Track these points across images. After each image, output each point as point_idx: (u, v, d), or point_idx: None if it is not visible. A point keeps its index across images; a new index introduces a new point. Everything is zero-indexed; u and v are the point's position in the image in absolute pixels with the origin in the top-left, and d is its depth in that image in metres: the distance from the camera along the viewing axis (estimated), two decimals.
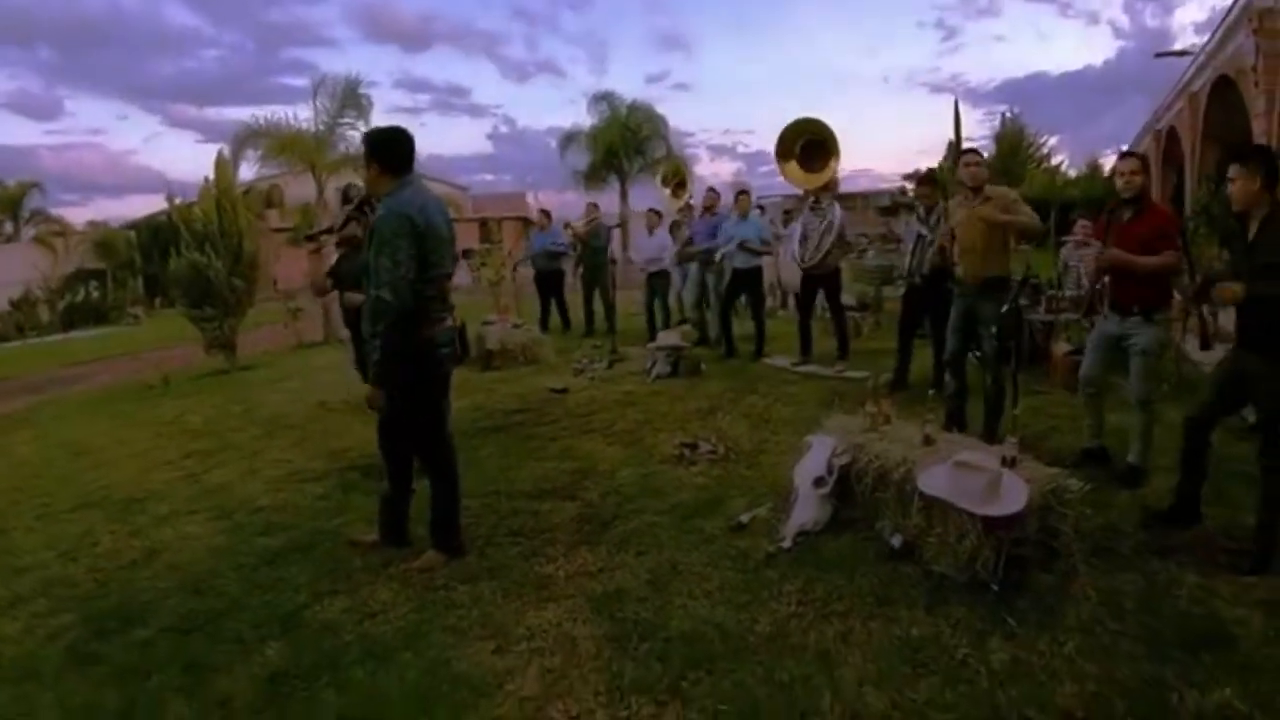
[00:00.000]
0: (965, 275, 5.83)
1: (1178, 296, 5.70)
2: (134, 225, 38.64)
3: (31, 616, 4.13)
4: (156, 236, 33.26)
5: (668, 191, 12.46)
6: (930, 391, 5.57)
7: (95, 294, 33.99)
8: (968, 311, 5.82)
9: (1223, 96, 14.16)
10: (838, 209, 8.78)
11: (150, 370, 12.85)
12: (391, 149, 4.10)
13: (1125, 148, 28.46)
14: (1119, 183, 5.01)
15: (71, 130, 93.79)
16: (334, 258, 6.53)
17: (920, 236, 7.44)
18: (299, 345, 15.26)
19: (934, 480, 3.89)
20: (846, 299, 11.98)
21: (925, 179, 8.14)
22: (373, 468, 5.92)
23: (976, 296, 5.72)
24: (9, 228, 37.82)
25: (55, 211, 38.95)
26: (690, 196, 12.89)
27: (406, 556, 4.29)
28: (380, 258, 3.85)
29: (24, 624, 4.06)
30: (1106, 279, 5.21)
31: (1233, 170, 4.03)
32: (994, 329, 5.48)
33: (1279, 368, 3.80)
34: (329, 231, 6.53)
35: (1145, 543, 4.02)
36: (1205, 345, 4.86)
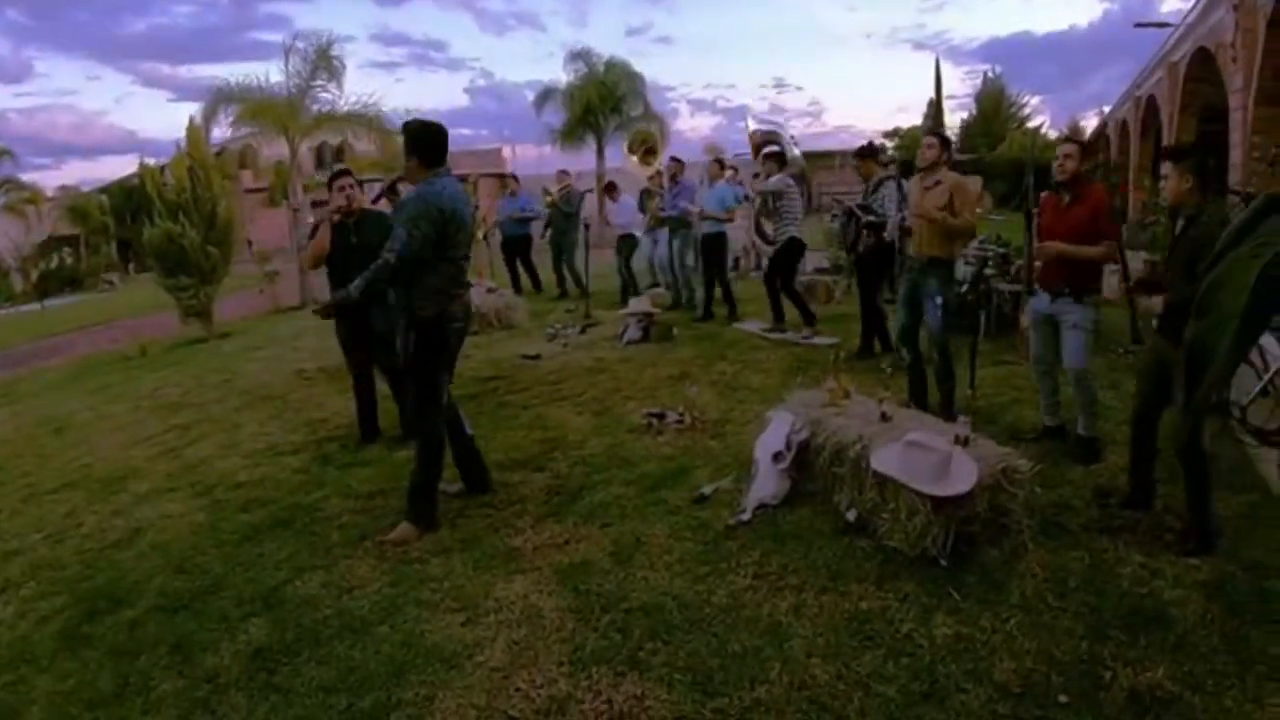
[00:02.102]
0: (914, 250, 5.93)
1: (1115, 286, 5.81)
2: (106, 189, 38.17)
3: (23, 601, 4.28)
4: (129, 199, 33.00)
5: (635, 159, 12.52)
6: (885, 369, 5.71)
7: (69, 261, 33.76)
8: (914, 285, 5.92)
9: (1202, 69, 14.21)
10: (774, 179, 8.83)
11: (127, 340, 12.93)
12: (430, 144, 4.42)
13: (1106, 108, 28.72)
14: (1054, 165, 5.13)
15: (42, 92, 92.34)
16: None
17: (851, 213, 7.64)
18: (275, 310, 15.30)
19: (886, 459, 4.04)
20: (819, 261, 12.17)
21: (862, 152, 8.17)
22: (350, 439, 6.13)
23: (921, 272, 5.83)
24: None
25: (26, 176, 38.32)
26: (660, 163, 12.96)
27: (382, 529, 4.46)
28: (399, 228, 4.22)
29: (16, 608, 4.20)
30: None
31: (1165, 168, 4.20)
32: (939, 301, 5.62)
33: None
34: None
35: (1094, 520, 4.17)
36: (1136, 339, 5.00)
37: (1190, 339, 3.09)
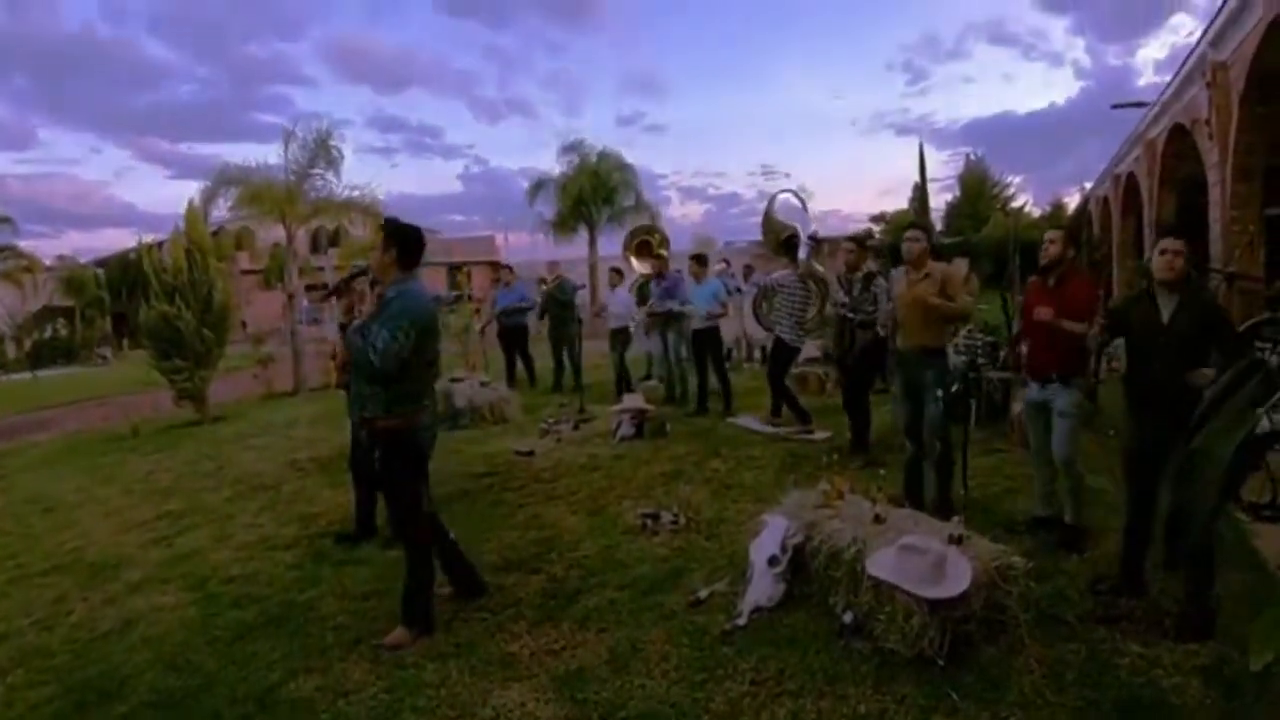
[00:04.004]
0: (904, 345, 6.01)
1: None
2: (103, 262, 38.46)
3: (11, 689, 4.25)
4: (126, 274, 33.21)
5: (632, 257, 12.72)
6: (881, 473, 5.75)
7: (63, 332, 33.81)
8: (910, 380, 5.97)
9: (1179, 144, 14.43)
10: (776, 275, 9.06)
11: (120, 418, 12.90)
12: (411, 246, 4.42)
13: (1088, 185, 29.21)
14: (1040, 250, 5.35)
15: (44, 160, 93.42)
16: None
17: (844, 319, 7.66)
18: (269, 394, 15.31)
19: (881, 563, 4.06)
20: (812, 350, 12.25)
21: (861, 240, 8.18)
22: (344, 535, 6.10)
23: (916, 365, 5.89)
24: None
25: (25, 244, 38.63)
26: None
27: (377, 632, 4.43)
28: (384, 330, 4.13)
29: (4, 696, 4.18)
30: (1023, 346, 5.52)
31: (1173, 244, 4.25)
32: (938, 394, 5.69)
33: (1177, 437, 4.08)
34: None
35: (1091, 611, 4.19)
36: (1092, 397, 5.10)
37: (1172, 508, 3.18)
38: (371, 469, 4.68)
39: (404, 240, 4.40)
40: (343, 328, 5.70)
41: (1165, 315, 4.24)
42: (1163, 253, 4.27)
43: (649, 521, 6.03)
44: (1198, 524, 2.96)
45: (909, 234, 6.10)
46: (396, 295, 4.28)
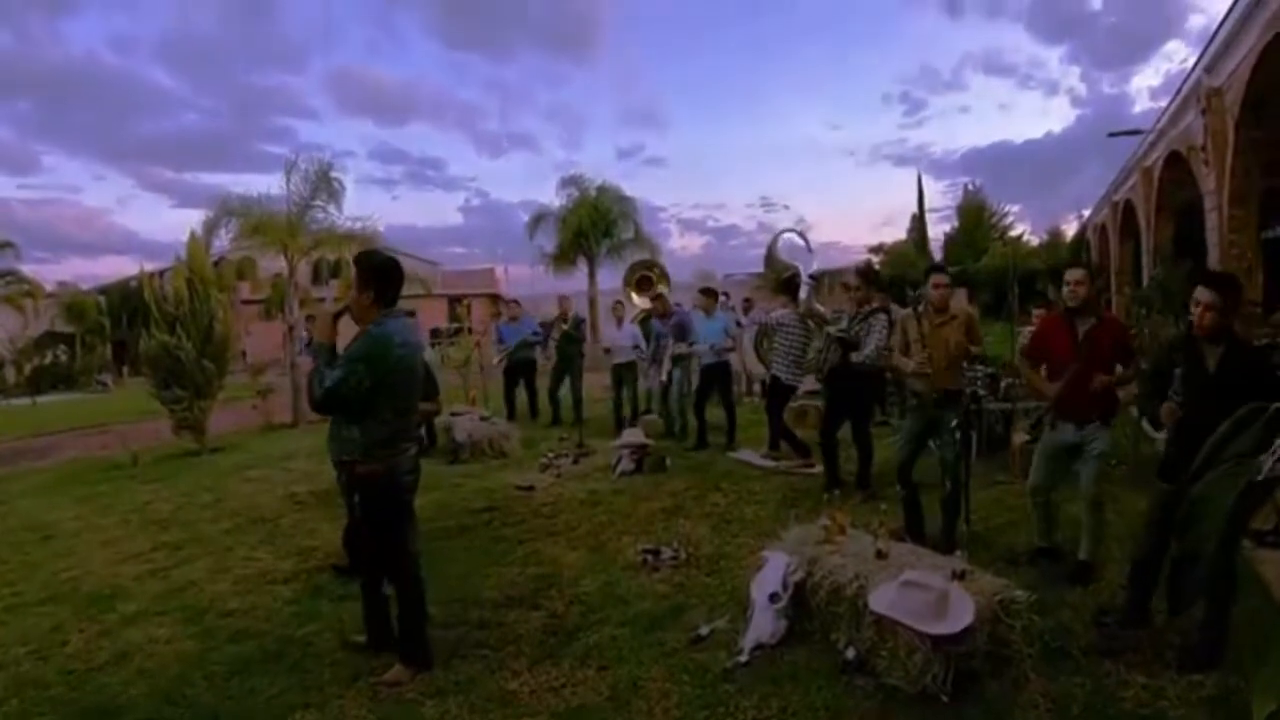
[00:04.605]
0: (926, 389, 6.00)
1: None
2: (105, 289, 38.53)
3: (5, 719, 4.21)
4: (127, 301, 33.29)
5: (632, 293, 12.74)
6: (882, 506, 5.74)
7: (63, 358, 33.81)
8: (932, 421, 6.01)
9: (1175, 171, 14.51)
10: (777, 313, 9.09)
11: (119, 446, 12.85)
12: (390, 282, 4.27)
13: (1086, 212, 29.33)
14: (1065, 291, 5.23)
15: (47, 186, 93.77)
16: None
17: (830, 336, 7.60)
18: (268, 426, 15.28)
19: (884, 600, 4.05)
20: (811, 384, 12.23)
21: (866, 275, 7.98)
22: (341, 568, 6.03)
23: (936, 408, 5.93)
24: None
25: (27, 268, 38.69)
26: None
27: (375, 669, 4.39)
28: (337, 369, 4.00)
29: None
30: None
31: (1209, 295, 4.12)
32: (956, 436, 5.67)
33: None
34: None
35: (1095, 643, 4.20)
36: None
37: (1177, 556, 3.17)
38: (352, 512, 4.51)
39: (383, 277, 4.24)
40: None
41: (1211, 363, 4.18)
42: (1197, 304, 4.16)
43: (649, 557, 6.01)
44: (1206, 567, 2.95)
45: (936, 278, 6.15)
46: (365, 336, 4.10)
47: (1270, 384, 4.15)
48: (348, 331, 4.26)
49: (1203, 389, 4.17)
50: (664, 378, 11.22)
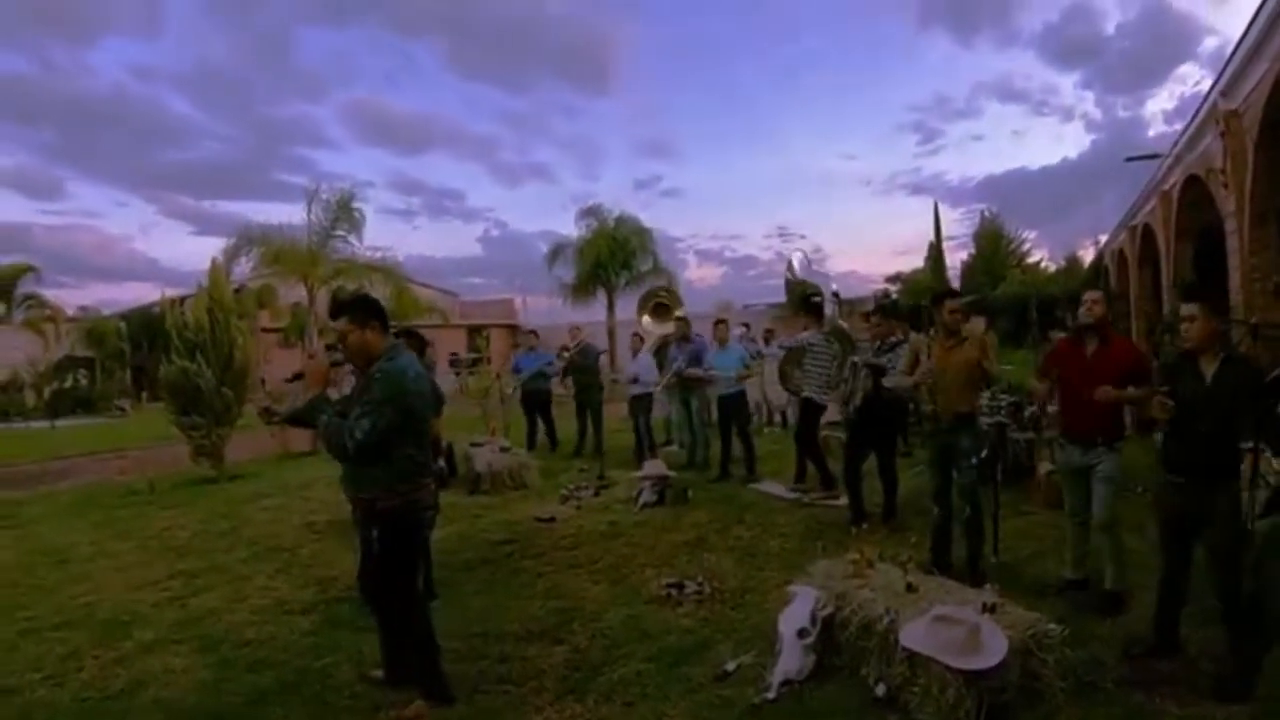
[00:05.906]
0: (940, 412, 6.00)
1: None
2: (125, 315, 38.75)
3: None
4: (147, 328, 33.46)
5: (648, 318, 12.68)
6: (912, 539, 5.66)
7: (83, 383, 33.95)
8: (946, 445, 5.97)
9: (1194, 194, 14.38)
10: (804, 335, 9.01)
11: (136, 471, 12.89)
12: (381, 310, 4.29)
13: (1103, 238, 29.11)
14: (1081, 310, 5.31)
15: (70, 212, 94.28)
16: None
17: (854, 365, 7.58)
18: (285, 454, 15.24)
19: (915, 635, 3.99)
20: (833, 414, 12.12)
21: (881, 310, 7.99)
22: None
23: (950, 431, 5.91)
24: (0, 309, 37.85)
25: (49, 293, 39.17)
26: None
27: (395, 702, 4.30)
28: (366, 418, 3.94)
29: None
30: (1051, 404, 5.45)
31: (1190, 307, 4.26)
32: (972, 460, 5.68)
33: (1217, 499, 4.02)
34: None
35: (1127, 675, 4.13)
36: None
37: (1250, 592, 3.13)
38: (369, 548, 4.35)
39: (374, 307, 4.27)
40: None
41: (1208, 377, 4.21)
42: (1183, 321, 4.30)
43: (673, 591, 5.91)
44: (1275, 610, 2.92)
45: (952, 304, 6.12)
46: (381, 375, 4.05)
47: (1265, 394, 4.27)
48: None
49: (1199, 403, 4.18)
50: (663, 391, 11.26)
